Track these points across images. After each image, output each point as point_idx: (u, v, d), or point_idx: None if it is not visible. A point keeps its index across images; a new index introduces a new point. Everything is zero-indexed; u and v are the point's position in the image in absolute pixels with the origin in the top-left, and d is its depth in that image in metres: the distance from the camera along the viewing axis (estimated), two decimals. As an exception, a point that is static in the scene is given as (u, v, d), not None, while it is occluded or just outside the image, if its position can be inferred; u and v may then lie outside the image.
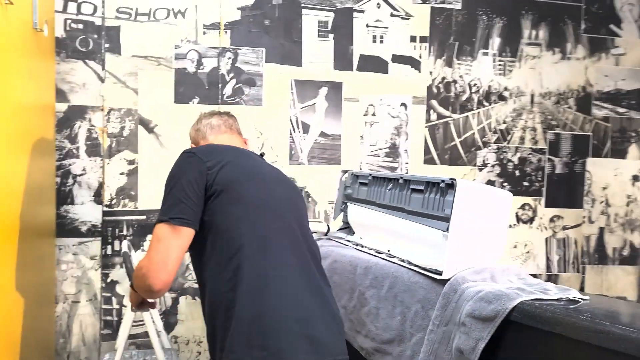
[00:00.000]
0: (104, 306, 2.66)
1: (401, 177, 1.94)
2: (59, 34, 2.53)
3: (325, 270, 1.90)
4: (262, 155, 1.79)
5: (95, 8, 2.58)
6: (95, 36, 2.59)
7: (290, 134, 2.85)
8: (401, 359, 1.77)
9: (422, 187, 1.82)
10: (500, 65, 3.13)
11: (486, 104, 3.12)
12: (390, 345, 1.84)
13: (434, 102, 3.04)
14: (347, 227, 2.32)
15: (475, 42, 3.08)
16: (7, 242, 1.64)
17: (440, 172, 3.05)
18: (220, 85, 2.73)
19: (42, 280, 2.21)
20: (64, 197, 2.59)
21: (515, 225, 3.19)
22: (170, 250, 1.39)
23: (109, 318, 2.66)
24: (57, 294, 2.60)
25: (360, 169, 2.95)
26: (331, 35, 2.88)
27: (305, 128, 2.87)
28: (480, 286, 1.55)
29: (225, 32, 2.74)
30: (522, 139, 3.18)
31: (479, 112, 3.11)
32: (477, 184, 1.83)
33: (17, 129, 1.75)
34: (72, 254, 2.62)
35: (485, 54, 3.10)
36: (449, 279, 1.62)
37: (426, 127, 3.04)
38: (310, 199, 2.88)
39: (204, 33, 2.71)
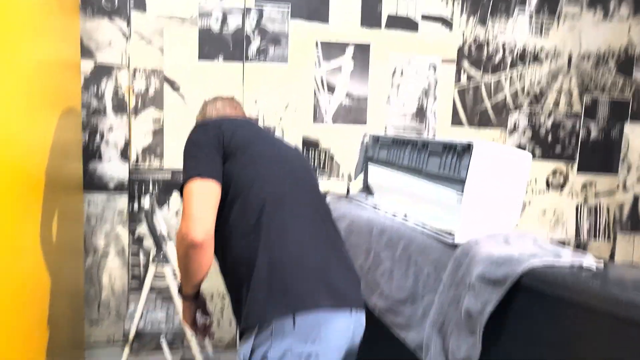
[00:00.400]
0: (131, 259, 2.74)
1: (420, 140, 1.90)
2: (85, -9, 2.55)
3: (342, 231, 1.91)
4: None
5: (121, -36, 2.58)
6: (121, -7, 2.60)
7: (315, 94, 2.82)
8: (413, 318, 1.78)
9: (439, 150, 1.78)
10: (537, 24, 2.99)
11: (520, 65, 3.00)
12: (402, 305, 1.84)
13: (465, 63, 2.95)
14: (367, 189, 2.30)
15: (511, 0, 2.95)
16: (37, 196, 1.70)
17: (468, 135, 2.99)
18: (244, 43, 2.71)
19: (71, 233, 2.29)
20: (92, 153, 2.65)
21: (545, 191, 3.11)
22: (204, 201, 1.42)
23: (136, 271, 2.74)
24: (87, 247, 2.70)
25: (386, 131, 2.91)
26: (359, -8, 2.81)
27: (331, 88, 2.83)
28: (493, 249, 1.53)
29: (251, -11, 2.71)
30: (556, 102, 3.06)
31: (511, 74, 3.00)
32: (494, 145, 1.77)
33: (42, 87, 1.79)
34: (101, 209, 2.69)
35: (522, 12, 2.97)
36: (461, 243, 1.60)
37: (455, 89, 2.96)
38: (334, 161, 2.87)
39: (229, -10, 2.69)
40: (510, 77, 3.00)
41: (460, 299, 1.57)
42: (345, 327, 1.48)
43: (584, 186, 3.13)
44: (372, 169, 2.24)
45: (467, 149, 1.61)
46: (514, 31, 2.97)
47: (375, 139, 2.26)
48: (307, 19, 2.76)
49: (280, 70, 2.76)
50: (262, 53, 2.73)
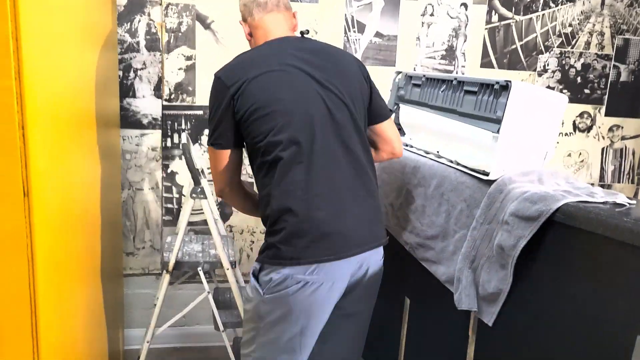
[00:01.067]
0: (165, 194, 2.84)
1: (455, 79, 1.92)
2: None
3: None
4: (303, 34, 1.76)
5: None
6: None
7: (345, 32, 2.82)
8: (443, 253, 1.86)
9: (475, 89, 1.81)
10: (571, -37, 2.93)
11: (552, 5, 2.96)
12: (433, 240, 1.92)
13: (496, 2, 2.91)
14: (398, 128, 2.34)
15: None
16: (79, 131, 1.77)
17: (497, 76, 2.96)
18: None
19: (111, 168, 2.38)
20: (126, 90, 2.70)
21: (571, 133, 3.12)
22: (216, 168, 1.71)
23: (169, 205, 2.84)
24: (123, 181, 2.79)
25: (415, 70, 2.91)
26: None
27: (361, 27, 2.83)
28: (527, 187, 1.58)
29: None
30: (587, 43, 3.03)
31: (543, 14, 2.96)
32: (532, 86, 1.80)
33: (81, 22, 1.82)
34: (135, 145, 2.77)
35: (557, -50, 2.90)
36: (495, 180, 1.65)
37: (486, 29, 2.93)
38: (362, 100, 2.90)
39: None
40: (542, 17, 2.96)
41: (493, 234, 1.64)
42: (347, 268, 1.62)
43: (611, 129, 3.14)
44: (404, 108, 2.27)
45: (505, 87, 1.64)
46: (548, -30, 2.91)
47: (408, 78, 2.28)
48: (338, -44, 2.73)
49: (311, 10, 2.75)
50: (293, -10, 2.72)
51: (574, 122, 3.11)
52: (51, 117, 1.39)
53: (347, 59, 1.72)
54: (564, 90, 3.05)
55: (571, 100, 3.07)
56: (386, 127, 1.82)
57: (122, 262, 2.83)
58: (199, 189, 2.18)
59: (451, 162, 1.88)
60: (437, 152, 2.00)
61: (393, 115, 1.93)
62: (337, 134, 1.61)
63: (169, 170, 2.81)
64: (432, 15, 2.87)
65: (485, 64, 2.97)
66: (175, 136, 2.79)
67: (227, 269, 2.20)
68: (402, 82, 2.32)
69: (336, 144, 1.60)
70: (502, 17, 2.93)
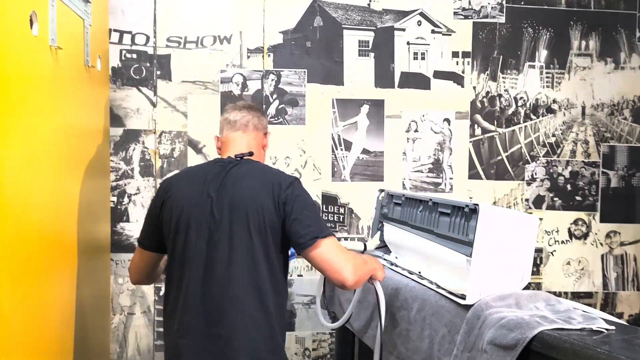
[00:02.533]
0: (157, 318, 2.82)
1: (430, 200, 1.96)
2: (115, 64, 2.72)
3: (359, 290, 1.97)
4: (241, 157, 1.81)
5: (148, 38, 2.76)
6: (148, 64, 2.77)
7: (333, 151, 2.92)
8: (429, 381, 1.79)
9: (448, 211, 1.83)
10: (548, 77, 3.06)
11: (534, 117, 3.06)
12: (419, 366, 1.85)
13: (478, 117, 3.01)
14: (384, 246, 2.35)
15: (520, 55, 3.03)
16: (67, 257, 1.82)
17: (485, 187, 3.02)
18: (264, 106, 2.83)
19: (99, 292, 2.39)
20: (120, 215, 2.77)
21: (568, 241, 3.10)
22: (133, 261, 1.97)
23: (161, 329, 2.81)
24: (114, 306, 2.78)
25: (404, 185, 2.97)
26: (372, 54, 2.92)
27: (348, 145, 2.93)
28: (504, 313, 1.55)
29: (269, 55, 2.85)
30: (573, 152, 3.09)
31: (525, 126, 3.05)
32: (500, 209, 1.82)
33: (72, 153, 1.92)
34: (128, 269, 2.78)
35: (532, 66, 3.04)
36: (473, 304, 1.62)
37: (470, 142, 3.02)
38: (353, 215, 2.94)
39: (248, 57, 2.83)
40: (525, 129, 3.05)
41: (474, 361, 1.59)
42: None
43: (608, 235, 3.12)
44: (388, 226, 2.29)
45: (474, 210, 1.66)
46: (525, 85, 3.04)
47: (390, 196, 2.32)
48: (322, 83, 2.88)
49: (299, 131, 2.86)
50: (280, 113, 2.85)
51: (569, 229, 3.09)
52: (19, 242, 1.42)
53: (256, 189, 1.70)
54: (555, 198, 3.07)
55: (564, 208, 3.08)
56: (314, 255, 1.68)
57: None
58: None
59: (431, 283, 1.87)
60: (419, 272, 1.99)
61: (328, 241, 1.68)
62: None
63: (161, 293, 2.81)
64: (416, 131, 2.97)
65: (473, 175, 3.02)
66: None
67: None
68: (384, 201, 2.36)
69: None
70: (485, 130, 3.02)
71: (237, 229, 1.66)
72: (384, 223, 2.34)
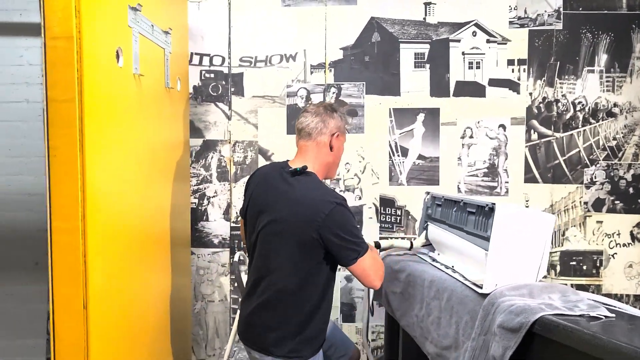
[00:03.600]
0: (232, 306, 3.17)
1: (462, 200, 2.13)
2: (195, 83, 3.12)
3: (401, 282, 2.23)
4: (296, 172, 2.02)
5: (224, 59, 3.13)
6: (224, 82, 3.14)
7: (390, 157, 3.13)
8: (456, 364, 1.96)
9: (474, 210, 2.00)
10: (608, 81, 3.08)
11: (593, 121, 3.08)
12: (448, 351, 2.03)
13: (535, 122, 3.09)
14: (429, 244, 2.53)
15: (579, 60, 3.07)
16: (158, 250, 2.21)
17: (542, 190, 3.09)
18: (326, 117, 3.10)
19: (182, 281, 2.78)
20: (200, 215, 3.16)
21: (630, 244, 3.09)
22: (241, 229, 2.31)
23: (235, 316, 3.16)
24: (197, 294, 3.17)
25: (459, 188, 3.11)
26: (427, 65, 3.10)
27: (404, 152, 3.12)
28: (514, 301, 1.71)
29: (330, 70, 3.12)
30: (635, 155, 3.08)
31: (584, 130, 3.09)
32: (517, 208, 1.95)
33: (159, 162, 2.32)
34: (207, 262, 3.17)
35: (591, 71, 3.07)
36: (489, 293, 1.79)
37: (526, 146, 3.10)
38: (409, 217, 3.13)
39: (312, 73, 3.12)
40: (583, 133, 3.08)
41: (489, 345, 1.75)
42: None
43: (674, 239, 3.07)
44: (431, 226, 2.48)
45: (492, 209, 1.82)
46: (584, 89, 3.07)
47: (433, 198, 2.50)
48: (380, 94, 3.11)
49: (358, 139, 3.11)
50: (341, 124, 3.11)
51: (632, 232, 3.08)
52: (116, 239, 1.80)
53: (299, 211, 1.93)
54: (617, 202, 3.07)
55: (626, 211, 3.08)
56: (354, 269, 1.99)
57: (193, 368, 3.15)
58: (245, 302, 2.48)
59: (460, 276, 2.04)
60: (452, 267, 2.16)
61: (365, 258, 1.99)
62: None
63: (235, 284, 3.16)
64: (471, 137, 3.11)
65: (529, 179, 3.10)
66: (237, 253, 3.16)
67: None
68: (429, 202, 2.54)
69: None
70: (541, 135, 3.09)
71: (274, 238, 1.97)
72: (428, 223, 2.53)
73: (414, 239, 2.54)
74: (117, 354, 1.81)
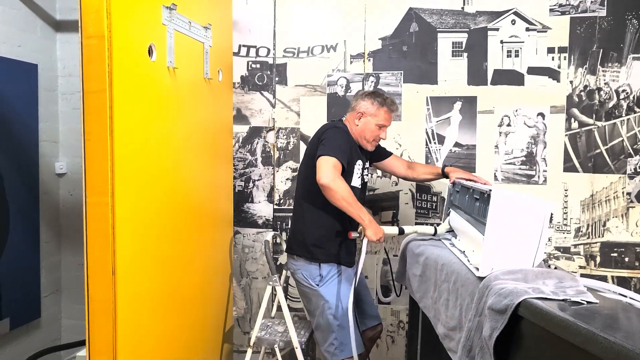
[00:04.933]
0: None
1: (471, 187, 2.21)
2: (243, 73, 3.34)
3: (420, 265, 2.40)
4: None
5: (269, 51, 3.32)
6: (268, 72, 3.33)
7: (427, 144, 3.20)
8: (459, 344, 2.05)
9: (478, 196, 2.07)
10: (656, 69, 2.98)
11: (638, 109, 3.00)
12: (453, 332, 2.12)
13: (575, 111, 3.05)
14: (450, 230, 2.61)
15: (623, 47, 2.99)
16: (196, 226, 2.47)
17: (582, 179, 3.05)
18: (364, 105, 3.22)
19: (222, 258, 3.02)
20: (246, 197, 3.39)
21: (675, 236, 3.00)
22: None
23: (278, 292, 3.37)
24: (242, 270, 3.42)
25: (495, 176, 3.14)
26: (465, 54, 3.14)
27: (441, 139, 3.19)
28: (506, 284, 1.78)
29: (369, 60, 3.23)
30: (684, 145, 2.97)
31: (628, 119, 3.01)
32: (513, 193, 1.97)
33: (196, 146, 2.56)
34: (252, 241, 3.40)
35: (637, 58, 2.98)
36: (485, 277, 1.87)
37: (566, 135, 3.07)
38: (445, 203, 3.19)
39: (351, 62, 3.25)
40: (627, 122, 3.01)
41: (483, 326, 1.84)
42: None
43: None
44: (452, 212, 2.55)
45: (489, 196, 1.90)
46: (628, 77, 2.99)
47: (454, 185, 2.57)
48: (417, 83, 3.18)
49: (395, 126, 3.20)
50: (379, 112, 3.22)
51: (678, 224, 2.99)
52: (144, 214, 2.05)
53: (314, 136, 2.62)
54: (662, 193, 2.99)
55: None
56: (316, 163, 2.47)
57: (232, 338, 3.40)
58: (274, 278, 2.68)
59: (467, 260, 2.12)
60: (464, 251, 2.25)
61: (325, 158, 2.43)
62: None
63: (277, 262, 3.37)
64: (509, 125, 3.12)
65: (569, 168, 3.07)
66: (284, 234, 3.37)
67: (296, 348, 2.61)
68: (451, 190, 2.62)
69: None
70: (582, 124, 3.05)
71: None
72: (451, 209, 2.60)
73: (435, 225, 2.63)
74: (144, 317, 2.05)
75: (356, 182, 2.64)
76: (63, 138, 3.61)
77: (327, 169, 2.37)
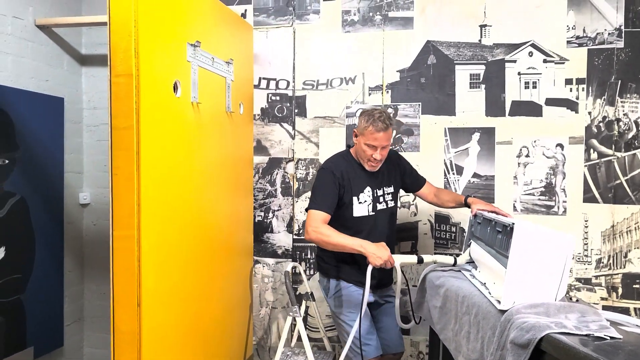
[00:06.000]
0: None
1: (493, 220, 2.21)
2: (263, 105, 3.41)
3: (440, 297, 2.40)
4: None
5: (288, 83, 3.39)
6: (288, 104, 3.40)
7: (445, 175, 3.22)
8: (481, 377, 2.04)
9: (500, 229, 2.08)
10: (676, 99, 2.98)
11: (658, 140, 3.00)
12: (475, 365, 2.11)
13: (594, 142, 3.06)
14: (470, 261, 2.61)
15: (642, 78, 3.01)
16: (218, 258, 2.52)
17: (602, 210, 3.04)
18: (382, 136, 3.26)
19: (244, 286, 3.05)
20: (266, 227, 3.42)
21: (702, 268, 2.95)
22: None
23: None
24: (262, 300, 3.43)
25: (514, 207, 3.14)
26: (483, 86, 3.17)
27: (459, 170, 3.20)
28: (528, 318, 1.78)
29: (387, 91, 3.28)
30: None
31: (649, 150, 3.01)
32: (536, 227, 1.98)
33: (219, 179, 2.61)
34: (272, 271, 3.42)
35: (656, 89, 3.00)
36: (507, 310, 1.87)
37: (586, 166, 3.07)
38: (464, 234, 3.19)
39: (369, 94, 3.30)
40: (648, 153, 3.00)
41: (505, 359, 1.83)
42: None
43: None
44: (473, 244, 2.56)
45: (512, 229, 1.90)
46: (648, 108, 3.00)
47: (475, 217, 2.58)
48: (435, 114, 3.22)
49: (413, 157, 3.23)
50: (397, 142, 3.26)
51: (703, 256, 2.95)
52: (169, 247, 2.09)
53: None
54: (685, 224, 2.96)
55: None
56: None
57: (255, 369, 3.40)
58: (294, 309, 2.69)
59: (488, 292, 2.12)
60: (485, 283, 2.24)
61: (309, 212, 2.56)
62: None
63: (297, 292, 3.38)
64: (527, 156, 3.13)
65: (589, 199, 3.06)
66: (303, 264, 3.38)
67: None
68: (473, 221, 2.62)
69: None
70: (601, 155, 3.05)
71: None
72: (472, 241, 2.60)
73: (455, 255, 2.62)
74: (168, 348, 2.08)
75: (362, 210, 2.65)
76: (87, 169, 3.70)
77: (308, 225, 2.52)
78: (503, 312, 1.90)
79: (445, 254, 3.16)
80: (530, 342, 1.66)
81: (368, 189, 2.65)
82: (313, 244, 3.34)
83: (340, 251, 2.53)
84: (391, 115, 3.04)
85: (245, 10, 3.44)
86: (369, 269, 2.44)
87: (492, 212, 2.51)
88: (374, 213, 2.67)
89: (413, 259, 2.57)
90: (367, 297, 2.47)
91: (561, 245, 1.87)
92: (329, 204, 2.54)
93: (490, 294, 2.08)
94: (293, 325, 3.01)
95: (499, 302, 1.93)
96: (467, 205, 2.73)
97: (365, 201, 2.64)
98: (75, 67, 3.64)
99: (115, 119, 1.83)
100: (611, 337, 1.61)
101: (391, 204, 2.75)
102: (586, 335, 1.63)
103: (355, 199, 2.62)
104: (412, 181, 2.87)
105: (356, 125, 2.66)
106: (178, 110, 2.17)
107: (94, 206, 3.70)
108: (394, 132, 3.27)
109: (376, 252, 2.41)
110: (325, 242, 2.48)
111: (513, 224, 1.90)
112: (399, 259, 2.52)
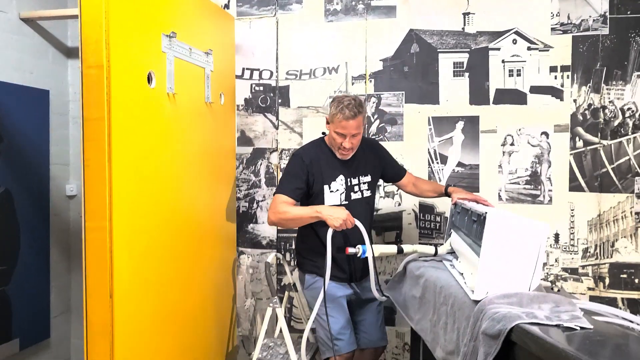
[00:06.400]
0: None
1: (470, 209, 2.19)
2: (246, 96, 3.38)
3: (420, 287, 2.39)
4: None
5: (272, 73, 3.36)
6: (272, 94, 3.37)
7: (429, 164, 3.20)
8: (457, 368, 2.03)
9: (476, 218, 2.06)
10: (661, 86, 2.94)
11: (644, 128, 2.96)
12: (451, 355, 2.09)
13: (580, 129, 3.02)
14: (451, 252, 2.59)
15: (627, 65, 2.96)
16: (196, 248, 2.49)
17: (588, 199, 3.01)
18: (366, 125, 3.24)
19: (224, 277, 3.04)
20: (250, 217, 3.41)
21: (687, 256, 2.93)
22: None
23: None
24: (247, 291, 3.42)
25: (499, 196, 3.11)
26: (466, 74, 3.14)
27: (443, 159, 3.18)
28: (501, 308, 1.76)
29: (370, 81, 3.25)
30: (693, 163, 2.92)
31: (635, 137, 2.97)
32: (509, 215, 1.95)
33: (197, 169, 2.59)
34: (256, 262, 3.41)
35: (642, 76, 2.96)
36: (480, 300, 1.85)
37: (571, 154, 3.04)
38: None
39: (353, 84, 3.27)
40: (634, 140, 2.97)
41: (478, 350, 1.81)
42: None
43: None
44: (453, 233, 2.54)
45: (485, 218, 1.88)
46: (634, 95, 2.96)
47: (455, 206, 2.56)
48: (419, 103, 3.19)
49: (397, 146, 3.20)
50: (381, 131, 3.23)
51: (689, 244, 2.92)
52: (142, 238, 2.08)
53: None
54: (671, 212, 2.93)
55: None
56: None
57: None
58: (275, 300, 2.68)
59: (464, 282, 2.10)
60: (462, 273, 2.23)
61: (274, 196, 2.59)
62: None
63: (282, 283, 3.37)
64: (512, 144, 3.10)
65: (574, 187, 3.03)
66: (287, 254, 3.37)
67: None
68: (453, 211, 2.60)
69: None
70: (587, 143, 3.02)
71: None
72: (452, 230, 2.59)
73: (436, 245, 2.60)
74: (142, 338, 2.07)
75: (334, 199, 2.61)
76: (73, 161, 3.68)
77: (269, 209, 2.56)
78: (477, 302, 1.88)
79: (429, 244, 3.14)
80: (500, 332, 1.65)
81: (341, 177, 2.62)
82: (296, 233, 3.33)
83: (301, 225, 2.60)
84: (363, 102, 2.95)
85: (229, 1, 3.41)
86: (329, 232, 2.43)
87: (472, 201, 2.49)
88: (347, 202, 2.62)
89: (392, 249, 2.55)
90: (330, 268, 2.44)
91: (534, 234, 1.85)
92: (293, 189, 2.52)
93: (466, 284, 2.06)
94: (276, 316, 3.01)
95: (473, 292, 1.92)
96: (447, 194, 2.71)
97: (338, 190, 2.61)
98: (61, 59, 3.61)
99: (86, 110, 1.82)
100: (581, 327, 1.59)
101: (367, 193, 2.71)
102: (556, 325, 1.61)
103: (326, 187, 2.59)
104: (392, 171, 2.85)
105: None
106: (152, 101, 2.15)
107: (80, 198, 3.67)
108: (378, 121, 3.25)
109: (333, 214, 2.40)
110: (284, 219, 2.50)
111: (486, 213, 1.88)
112: (378, 250, 2.50)
